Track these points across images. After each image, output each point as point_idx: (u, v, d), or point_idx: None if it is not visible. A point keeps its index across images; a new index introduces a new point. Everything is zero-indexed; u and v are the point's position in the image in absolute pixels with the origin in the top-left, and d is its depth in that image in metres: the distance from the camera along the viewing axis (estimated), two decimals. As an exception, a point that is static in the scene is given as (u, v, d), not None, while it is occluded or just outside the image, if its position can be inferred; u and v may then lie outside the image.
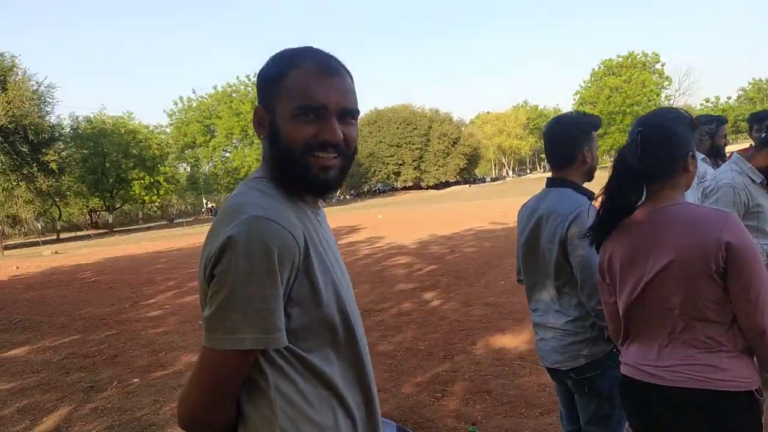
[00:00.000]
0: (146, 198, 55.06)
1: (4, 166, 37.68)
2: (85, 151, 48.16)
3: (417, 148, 74.11)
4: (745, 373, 1.68)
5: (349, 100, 1.21)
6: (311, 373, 1.17)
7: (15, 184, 37.90)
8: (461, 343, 5.75)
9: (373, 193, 79.89)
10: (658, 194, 1.80)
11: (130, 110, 77.47)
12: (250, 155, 57.96)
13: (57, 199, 45.64)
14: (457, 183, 78.47)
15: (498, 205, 27.29)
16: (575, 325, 2.31)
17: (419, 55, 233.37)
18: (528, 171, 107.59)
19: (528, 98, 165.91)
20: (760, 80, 76.61)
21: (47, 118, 40.36)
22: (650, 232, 1.77)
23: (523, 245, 2.52)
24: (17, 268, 19.40)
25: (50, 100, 40.24)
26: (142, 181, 52.52)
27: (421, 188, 76.02)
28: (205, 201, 67.36)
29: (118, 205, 57.14)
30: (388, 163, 75.02)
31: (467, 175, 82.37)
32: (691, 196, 3.49)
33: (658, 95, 71.75)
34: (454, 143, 75.32)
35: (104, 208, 56.48)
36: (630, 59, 74.24)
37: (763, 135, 2.81)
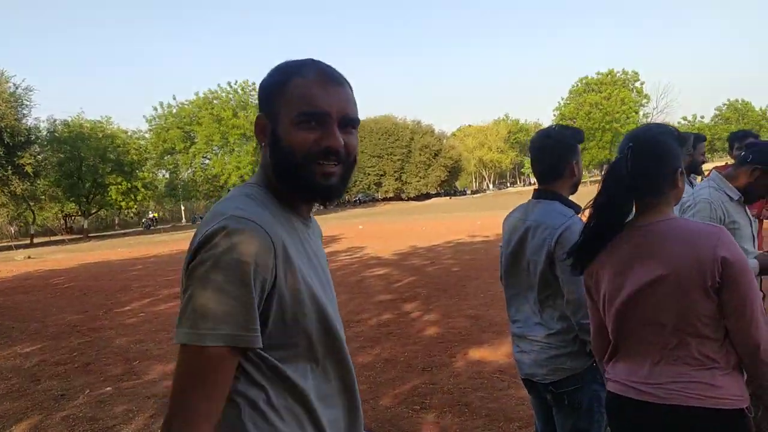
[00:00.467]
0: (123, 204, 54.27)
1: (-23, 169, 36.95)
2: (62, 155, 47.40)
3: (398, 159, 74.34)
4: (738, 390, 1.68)
5: (350, 109, 1.23)
6: (283, 384, 1.15)
7: (-12, 186, 37.16)
8: (440, 355, 5.74)
9: (354, 204, 79.84)
10: (648, 209, 1.79)
11: (108, 115, 76.33)
12: (230, 162, 57.57)
13: (31, 203, 44.80)
14: (437, 195, 78.80)
15: (478, 218, 27.42)
16: (557, 338, 2.30)
17: (401, 66, 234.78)
18: (508, 184, 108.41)
19: (509, 112, 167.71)
20: (736, 101, 78.30)
21: (24, 121, 39.71)
22: (642, 246, 1.76)
23: (508, 256, 2.50)
24: (-12, 272, 18.98)
25: (27, 103, 39.66)
26: (120, 187, 51.77)
27: (401, 199, 76.18)
28: (150, 212, 65.20)
29: (94, 211, 56.26)
30: (369, 174, 75.11)
31: (448, 187, 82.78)
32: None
33: (636, 112, 73.00)
34: (436, 155, 75.70)
35: (80, 213, 55.56)
36: (609, 76, 75.50)
37: (743, 153, 2.85)
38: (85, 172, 50.28)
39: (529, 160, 2.54)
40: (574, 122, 70.43)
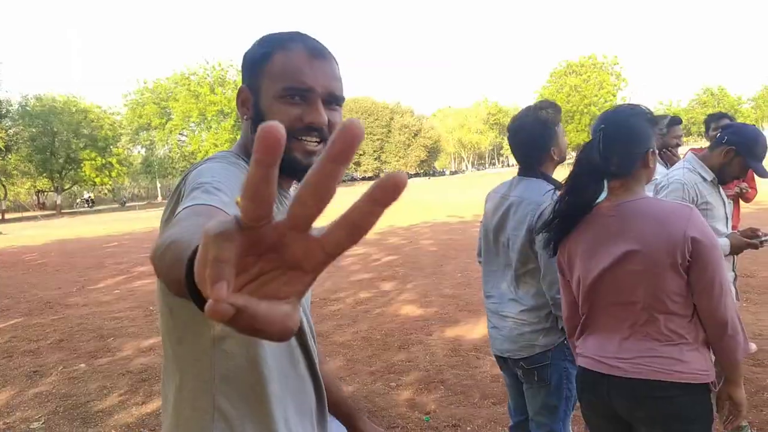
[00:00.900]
0: (97, 180, 53.36)
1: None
2: (34, 130, 46.40)
3: (378, 139, 74.22)
4: (704, 365, 1.74)
5: (336, 86, 1.19)
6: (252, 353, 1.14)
7: (-43, 161, 36.25)
8: (417, 333, 5.78)
9: (333, 183, 79.42)
10: (620, 189, 1.82)
11: (82, 90, 74.67)
12: (207, 140, 56.74)
13: (3, 179, 43.83)
14: (417, 175, 78.88)
15: (457, 198, 27.53)
16: (530, 315, 2.33)
17: (381, 46, 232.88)
18: (487, 166, 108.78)
19: (488, 94, 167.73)
20: (712, 87, 79.24)
21: (-6, 94, 38.69)
22: (615, 225, 1.79)
23: (489, 231, 2.51)
24: (-42, 248, 18.60)
25: (-2, 77, 38.60)
26: (94, 162, 50.86)
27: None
28: (86, 192, 62.13)
29: (67, 186, 55.27)
30: (348, 153, 74.84)
31: (427, 168, 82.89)
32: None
33: (614, 96, 73.48)
34: (415, 135, 75.73)
35: (53, 189, 54.55)
36: (591, 60, 75.78)
37: (718, 135, 2.88)
38: (57, 147, 49.29)
39: (509, 140, 2.53)
40: (554, 105, 70.52)
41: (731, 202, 3.10)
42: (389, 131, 74.83)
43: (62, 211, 50.02)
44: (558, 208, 1.90)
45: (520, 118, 2.44)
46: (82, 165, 50.85)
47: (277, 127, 0.37)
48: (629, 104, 1.92)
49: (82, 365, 5.43)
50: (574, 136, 69.92)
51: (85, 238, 20.07)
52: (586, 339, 1.92)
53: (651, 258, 1.70)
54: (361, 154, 74.98)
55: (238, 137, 1.26)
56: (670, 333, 1.73)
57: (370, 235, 14.41)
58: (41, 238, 21.18)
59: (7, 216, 44.67)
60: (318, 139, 1.17)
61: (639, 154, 1.80)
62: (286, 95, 1.15)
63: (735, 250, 2.76)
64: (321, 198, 0.41)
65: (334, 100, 1.19)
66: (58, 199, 52.38)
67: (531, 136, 2.38)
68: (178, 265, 0.59)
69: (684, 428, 1.74)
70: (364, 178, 78.09)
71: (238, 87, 1.24)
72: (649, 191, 3.45)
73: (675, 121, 4.42)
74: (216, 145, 55.02)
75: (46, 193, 60.81)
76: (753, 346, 4.51)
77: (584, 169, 1.83)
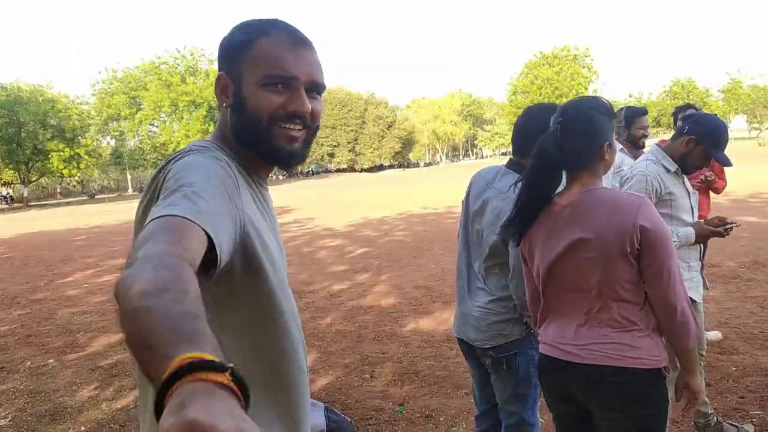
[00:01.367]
0: (65, 171, 52.19)
1: None
2: (-1, 120, 45.21)
3: (352, 130, 73.96)
4: (655, 351, 1.79)
5: (317, 74, 1.19)
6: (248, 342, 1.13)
7: None
8: (391, 325, 5.80)
9: (307, 175, 79.17)
10: (577, 181, 1.87)
11: (49, 79, 72.62)
12: (179, 131, 55.88)
13: (-34, 170, 42.67)
14: (391, 167, 78.89)
15: (431, 190, 27.62)
16: (499, 304, 2.35)
17: (354, 37, 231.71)
18: (461, 157, 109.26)
19: (462, 86, 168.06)
20: (682, 78, 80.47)
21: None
22: (570, 215, 1.84)
23: (469, 215, 2.51)
24: None
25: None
26: (61, 153, 49.69)
27: (355, 171, 76.00)
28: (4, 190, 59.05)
29: (34, 178, 53.95)
30: (322, 144, 74.52)
31: (401, 159, 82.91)
32: (608, 184, 3.61)
33: (586, 88, 74.28)
34: (389, 127, 75.63)
35: (19, 181, 53.22)
36: (564, 51, 76.40)
37: (680, 125, 2.92)
38: (24, 138, 48.04)
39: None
40: (527, 96, 71.28)
41: (696, 192, 3.15)
42: (363, 122, 74.56)
43: (30, 203, 48.90)
44: (518, 202, 1.96)
45: (528, 108, 2.46)
46: (49, 156, 49.68)
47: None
48: (587, 97, 1.96)
49: (51, 361, 5.33)
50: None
51: (53, 231, 19.67)
52: (547, 326, 1.98)
53: (603, 246, 1.76)
54: (335, 146, 74.60)
55: (211, 128, 1.26)
56: (623, 320, 1.79)
57: (346, 227, 14.47)
58: (7, 231, 20.70)
59: (-28, 209, 43.51)
60: (300, 126, 1.18)
61: (596, 147, 1.84)
62: (270, 83, 1.14)
63: (700, 238, 2.82)
64: None
65: (315, 88, 1.20)
66: (25, 192, 51.18)
67: (527, 124, 2.37)
68: (147, 359, 0.61)
69: (637, 413, 1.80)
70: (338, 170, 77.85)
71: (215, 75, 1.22)
72: (615, 183, 3.52)
73: (640, 112, 4.47)
74: (188, 136, 54.24)
75: (12, 185, 59.31)
76: (719, 334, 4.63)
77: (542, 162, 1.88)
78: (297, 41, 1.17)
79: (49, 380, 4.81)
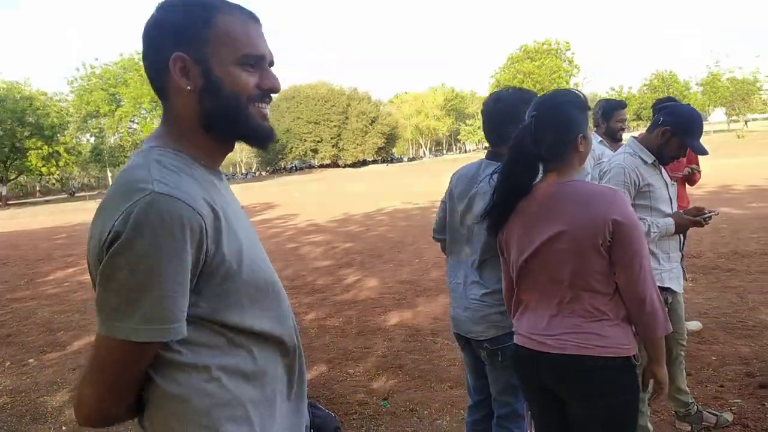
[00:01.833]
0: (44, 169, 51.47)
1: None
2: (-25, 118, 44.44)
3: (335, 126, 73.66)
4: (625, 340, 1.83)
5: (270, 50, 1.19)
6: (235, 347, 1.11)
7: None
8: (375, 319, 5.80)
9: (290, 171, 78.83)
10: (552, 173, 1.91)
11: (27, 76, 71.66)
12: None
13: (-58, 169, 41.90)
14: (374, 162, 78.76)
15: (414, 185, 27.65)
16: (493, 297, 2.36)
17: (337, 32, 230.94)
18: (444, 152, 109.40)
19: (446, 80, 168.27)
20: (663, 72, 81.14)
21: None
22: (545, 207, 1.87)
23: (456, 213, 2.51)
24: None
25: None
26: (40, 151, 49.00)
27: (338, 166, 75.75)
28: None
29: (12, 177, 53.17)
30: (305, 140, 74.17)
31: (385, 154, 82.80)
32: (589, 176, 3.65)
33: (567, 82, 74.71)
34: (373, 122, 75.44)
35: (-3, 180, 52.45)
36: (546, 45, 76.73)
37: (655, 116, 2.94)
38: (1, 136, 47.29)
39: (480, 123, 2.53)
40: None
41: (674, 183, 3.18)
42: (346, 118, 74.28)
43: (8, 202, 48.16)
44: (495, 194, 1.99)
45: (497, 94, 2.47)
46: (27, 154, 48.98)
47: None
48: (562, 90, 1.99)
49: (32, 360, 5.26)
50: (528, 121, 70.54)
51: (32, 230, 19.40)
52: (521, 317, 2.01)
53: (576, 238, 1.79)
54: (318, 142, 74.26)
55: (169, 110, 1.17)
56: (594, 310, 1.82)
57: (329, 223, 14.45)
58: (-15, 231, 20.37)
59: (-52, 208, 42.77)
60: (268, 103, 1.19)
61: (569, 139, 1.87)
62: (245, 63, 1.12)
63: (679, 229, 2.84)
64: None
65: (272, 64, 1.19)
66: (3, 190, 50.41)
67: (504, 110, 2.38)
68: None
69: (607, 401, 1.84)
70: (322, 166, 77.52)
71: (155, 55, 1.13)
72: (596, 175, 3.53)
73: (619, 105, 4.53)
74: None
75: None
76: (699, 324, 4.69)
77: (518, 155, 1.91)
78: (253, 17, 1.16)
79: (30, 380, 4.75)
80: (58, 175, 59.26)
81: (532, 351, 1.92)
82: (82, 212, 27.31)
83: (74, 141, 56.16)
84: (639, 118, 75.21)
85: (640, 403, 2.23)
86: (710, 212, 2.87)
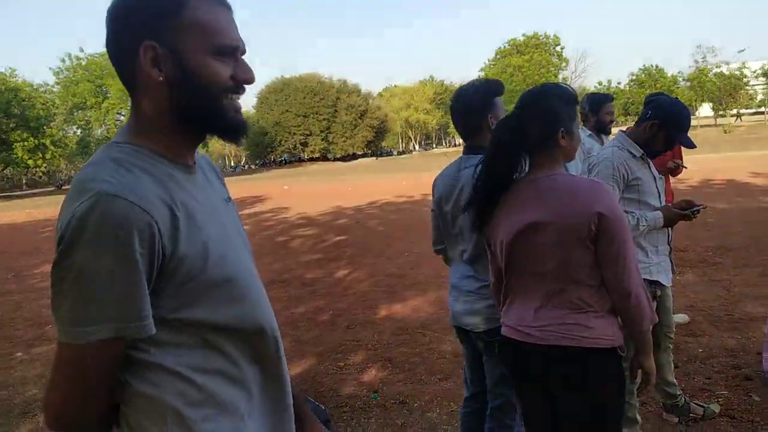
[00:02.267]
0: (30, 162, 50.92)
1: None
2: (-41, 109, 43.87)
3: (324, 119, 73.39)
4: (609, 331, 1.84)
5: (243, 40, 1.14)
6: (204, 344, 1.09)
7: None
8: (365, 313, 5.81)
9: (279, 164, 78.52)
10: (537, 166, 1.92)
11: (12, 66, 70.90)
12: (147, 119, 54.76)
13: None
14: (364, 155, 78.61)
15: (404, 178, 27.66)
16: (488, 290, 2.37)
17: (325, 24, 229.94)
18: (434, 145, 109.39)
19: (435, 73, 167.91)
20: (651, 66, 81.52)
21: None
22: (529, 200, 1.88)
23: (447, 215, 2.52)
24: None
25: None
26: (26, 144, 48.45)
27: (328, 160, 75.56)
28: None
29: (-2, 169, 52.62)
30: (294, 133, 73.87)
31: (374, 148, 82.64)
32: (574, 169, 3.66)
33: (556, 76, 74.88)
34: (362, 115, 75.23)
35: (-18, 172, 51.91)
36: (534, 39, 76.84)
37: (643, 110, 2.96)
38: (-14, 128, 46.74)
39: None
40: (498, 84, 71.28)
41: (662, 177, 3.20)
42: (336, 111, 73.99)
43: (-7, 194, 47.65)
44: (476, 184, 1.99)
45: (460, 90, 2.51)
46: (13, 147, 48.42)
47: None
48: (549, 84, 1.99)
49: (19, 354, 5.23)
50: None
51: (19, 223, 19.22)
52: (508, 309, 2.03)
53: (560, 231, 1.80)
54: (308, 135, 73.97)
55: (139, 102, 1.11)
56: (579, 302, 1.84)
57: (320, 216, 14.41)
58: (-30, 224, 20.16)
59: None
60: (240, 96, 1.14)
61: (550, 133, 1.88)
62: (219, 53, 1.07)
63: (668, 222, 2.86)
64: None
65: (244, 53, 1.14)
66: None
67: (468, 104, 2.42)
68: None
69: (592, 391, 1.86)
70: (311, 159, 77.28)
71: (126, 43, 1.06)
72: (584, 168, 3.55)
73: (606, 98, 4.60)
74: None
75: (-26, 176, 57.84)
76: (686, 317, 4.74)
77: (499, 146, 1.92)
78: (224, 5, 1.10)
79: (18, 374, 4.72)
80: (45, 167, 58.66)
81: (519, 342, 1.94)
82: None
83: (61, 133, 55.58)
84: (627, 113, 75.53)
85: (628, 395, 2.25)
86: (698, 206, 2.89)
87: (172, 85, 1.06)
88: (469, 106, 2.42)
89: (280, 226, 13.63)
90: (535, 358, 1.91)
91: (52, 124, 52.79)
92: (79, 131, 62.13)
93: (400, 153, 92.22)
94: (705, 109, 74.36)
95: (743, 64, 66.51)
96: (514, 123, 1.90)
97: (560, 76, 76.78)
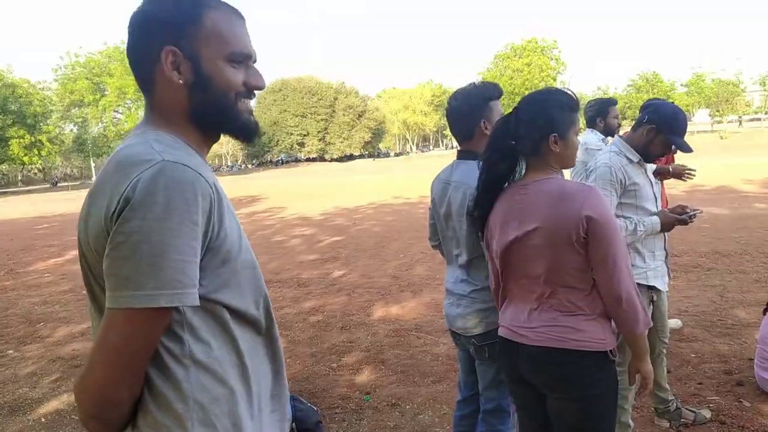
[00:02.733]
0: (26, 159, 50.75)
1: None
2: (-45, 105, 43.70)
3: (322, 120, 73.36)
4: (601, 334, 1.84)
5: (254, 48, 1.22)
6: (226, 336, 1.10)
7: None
8: (359, 314, 5.80)
9: (276, 164, 78.42)
10: (531, 169, 1.94)
11: (9, 63, 70.63)
12: (144, 118, 54.64)
13: None
14: (361, 156, 78.58)
15: (401, 179, 27.66)
16: (481, 294, 2.38)
17: (327, 25, 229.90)
18: (431, 147, 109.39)
19: (433, 76, 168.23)
20: (647, 72, 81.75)
21: None
22: (522, 203, 1.90)
23: (441, 218, 2.54)
24: None
25: None
26: (22, 140, 48.30)
27: (325, 160, 75.48)
28: None
29: (-7, 165, 52.42)
30: (292, 133, 73.82)
31: (371, 149, 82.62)
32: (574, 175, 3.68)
33: (554, 80, 75.03)
34: (360, 116, 75.22)
35: (-23, 168, 51.71)
36: (532, 43, 76.95)
37: (640, 115, 2.96)
38: (-18, 124, 46.58)
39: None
40: (497, 88, 71.44)
41: (659, 182, 3.21)
42: (333, 112, 73.97)
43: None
44: (479, 183, 2.02)
45: (455, 93, 2.51)
46: (9, 143, 48.27)
47: None
48: (549, 88, 2.00)
49: (11, 351, 5.20)
50: (515, 119, 70.77)
51: (13, 220, 19.15)
52: (505, 310, 2.05)
53: (550, 235, 1.81)
54: (305, 135, 73.90)
55: (156, 100, 1.17)
56: (570, 305, 1.85)
57: (316, 216, 14.39)
58: (-35, 220, 20.07)
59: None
60: (252, 99, 1.22)
61: (542, 137, 1.88)
62: (234, 60, 1.15)
63: (665, 227, 2.87)
64: None
65: (255, 61, 1.22)
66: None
67: (463, 108, 2.42)
68: None
69: (581, 394, 1.86)
70: (308, 159, 77.20)
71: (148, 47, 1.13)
72: (583, 176, 3.55)
73: (611, 101, 4.72)
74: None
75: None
76: (679, 322, 4.75)
77: (494, 145, 1.95)
78: (238, 14, 1.18)
79: (9, 372, 4.70)
80: (41, 164, 58.51)
81: (513, 342, 1.95)
82: (64, 202, 26.99)
83: (57, 130, 55.45)
84: (624, 117, 75.78)
85: (621, 400, 2.25)
86: (694, 210, 2.90)
87: (190, 88, 1.14)
88: (463, 110, 2.42)
89: (277, 225, 13.62)
90: (526, 359, 1.92)
91: (48, 121, 52.64)
92: (75, 128, 61.93)
93: (397, 154, 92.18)
94: (701, 115, 74.52)
95: (740, 70, 66.83)
96: (510, 122, 1.92)
97: (558, 80, 76.93)
